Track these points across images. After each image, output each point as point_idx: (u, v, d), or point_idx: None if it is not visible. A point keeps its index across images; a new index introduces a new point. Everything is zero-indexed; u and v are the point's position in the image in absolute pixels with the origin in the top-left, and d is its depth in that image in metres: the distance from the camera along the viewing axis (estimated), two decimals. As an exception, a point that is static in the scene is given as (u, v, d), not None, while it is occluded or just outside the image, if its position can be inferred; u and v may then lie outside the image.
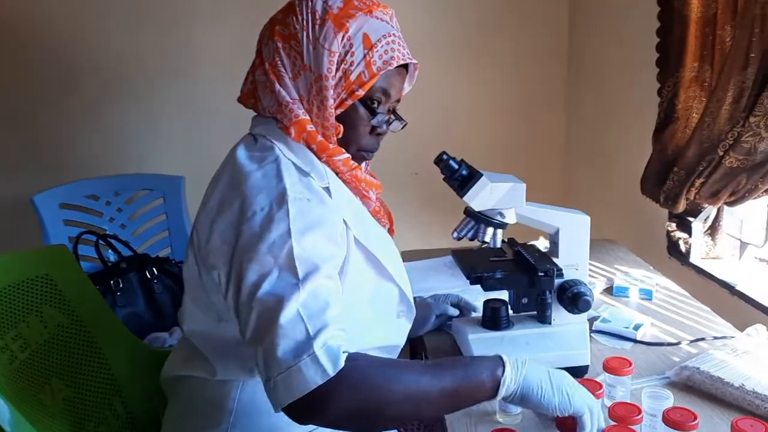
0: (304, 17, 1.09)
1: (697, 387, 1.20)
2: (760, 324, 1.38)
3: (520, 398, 0.97)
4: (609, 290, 1.70)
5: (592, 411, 0.98)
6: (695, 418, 1.00)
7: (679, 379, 1.23)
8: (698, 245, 2.01)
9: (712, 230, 2.00)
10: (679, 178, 1.83)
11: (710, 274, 1.92)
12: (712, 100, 1.68)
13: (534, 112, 3.02)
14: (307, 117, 1.10)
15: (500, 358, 0.98)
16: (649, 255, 2.02)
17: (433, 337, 1.46)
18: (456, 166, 1.21)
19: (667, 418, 1.00)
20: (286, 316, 0.90)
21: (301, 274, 0.94)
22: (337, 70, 1.08)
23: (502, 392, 0.95)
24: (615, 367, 1.17)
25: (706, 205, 1.90)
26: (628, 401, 1.10)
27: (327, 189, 1.09)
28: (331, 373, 0.86)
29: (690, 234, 2.03)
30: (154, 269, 2.28)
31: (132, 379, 1.46)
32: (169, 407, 1.25)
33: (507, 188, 1.21)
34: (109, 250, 2.31)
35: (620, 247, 2.07)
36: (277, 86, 1.10)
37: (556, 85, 3.00)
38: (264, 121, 1.15)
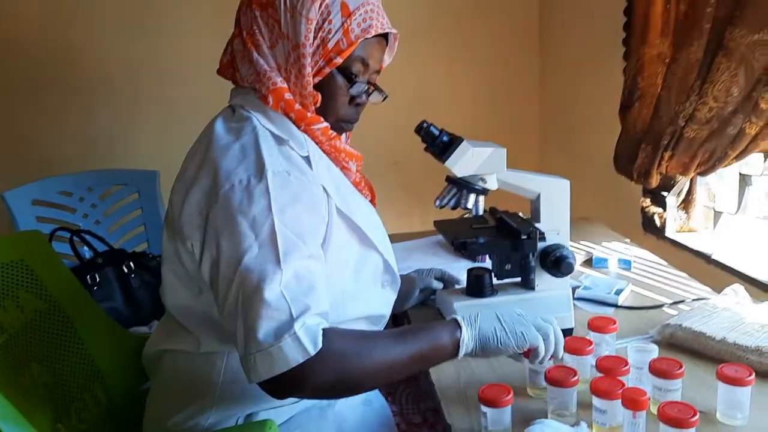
0: None
1: (680, 344, 1.22)
2: (737, 284, 1.41)
3: (481, 351, 1.03)
4: (589, 262, 1.72)
5: (547, 336, 1.04)
6: (681, 367, 1.02)
7: (662, 337, 1.25)
8: (673, 219, 2.05)
9: (686, 203, 2.04)
10: (647, 154, 1.86)
11: (686, 245, 1.96)
12: (668, 74, 1.72)
13: (509, 97, 3.05)
14: (285, 85, 1.09)
15: (456, 321, 1.04)
16: (625, 231, 2.05)
17: (417, 311, 1.46)
18: (437, 132, 1.21)
19: (654, 368, 1.02)
20: (269, 295, 0.91)
21: (282, 252, 0.94)
22: (315, 38, 1.08)
23: (463, 351, 1.02)
24: (600, 325, 1.18)
25: (680, 178, 1.93)
26: (614, 356, 1.11)
27: (307, 158, 1.09)
28: (312, 352, 0.90)
29: (664, 208, 2.07)
30: (131, 264, 2.24)
31: (113, 364, 1.43)
32: (153, 386, 1.23)
33: (488, 153, 1.22)
34: (84, 247, 2.27)
35: (597, 225, 2.09)
36: (255, 55, 1.09)
37: (530, 68, 3.04)
38: (242, 92, 1.14)
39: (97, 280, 2.17)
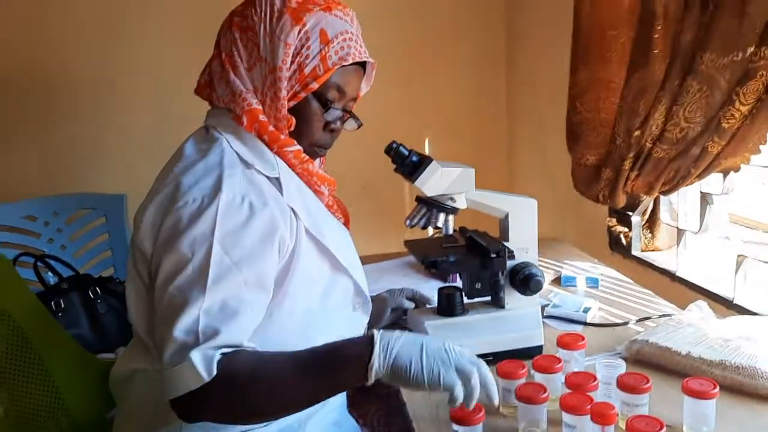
0: (263, 9, 1.11)
1: (647, 360, 1.24)
2: (701, 300, 1.44)
3: (390, 380, 0.93)
4: (557, 281, 1.75)
5: (468, 381, 0.91)
6: (648, 381, 1.03)
7: (630, 353, 1.26)
8: (638, 238, 2.09)
9: (651, 223, 2.08)
10: (608, 177, 1.90)
11: (651, 263, 2.00)
12: (625, 99, 1.77)
13: (477, 121, 3.10)
14: (260, 107, 1.11)
15: (371, 340, 0.94)
16: (592, 251, 2.08)
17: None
18: (406, 153, 1.23)
19: (622, 383, 1.03)
20: (184, 319, 0.93)
21: (211, 278, 0.96)
22: (292, 62, 1.10)
23: (372, 377, 0.92)
24: (568, 342, 1.19)
25: (644, 197, 1.97)
26: (583, 373, 1.12)
27: (277, 180, 1.09)
28: (205, 379, 0.91)
29: (630, 228, 2.11)
30: (97, 289, 2.20)
31: (78, 391, 1.40)
32: (120, 410, 1.21)
33: (458, 173, 1.24)
34: (49, 272, 2.22)
35: (565, 245, 2.12)
36: (232, 76, 1.11)
37: (497, 92, 3.10)
38: (218, 113, 1.15)
39: (62, 306, 2.12)
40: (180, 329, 0.93)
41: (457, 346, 0.95)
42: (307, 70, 1.10)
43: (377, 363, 0.92)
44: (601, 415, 0.92)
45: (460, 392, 0.91)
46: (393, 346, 0.93)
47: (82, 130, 2.73)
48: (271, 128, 1.11)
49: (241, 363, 0.94)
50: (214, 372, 0.91)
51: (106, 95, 2.73)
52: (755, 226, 1.82)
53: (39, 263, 2.18)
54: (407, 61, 2.98)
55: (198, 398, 0.91)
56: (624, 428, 0.94)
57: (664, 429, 0.90)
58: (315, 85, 1.11)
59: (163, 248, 1.00)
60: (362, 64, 1.19)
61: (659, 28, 1.65)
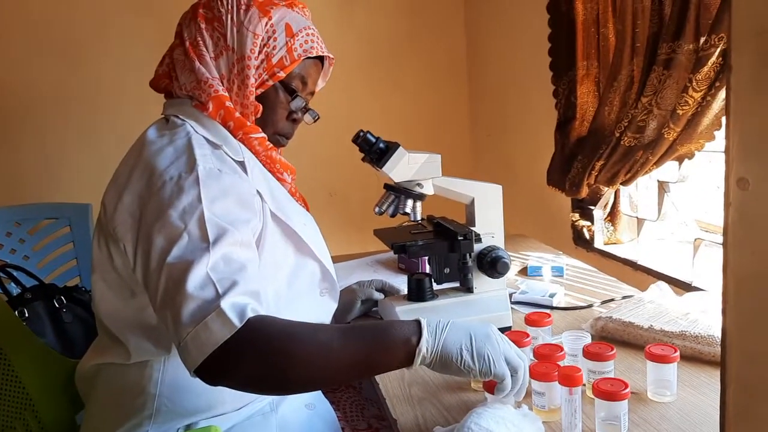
0: (230, 2, 1.14)
1: (611, 336, 1.28)
2: (661, 281, 1.49)
3: (439, 366, 0.93)
4: (524, 271, 1.78)
5: (517, 371, 0.95)
6: (612, 349, 1.07)
7: (595, 330, 1.30)
8: (600, 231, 2.15)
9: (612, 216, 2.14)
10: (582, 164, 1.96)
11: (613, 254, 2.06)
12: (609, 91, 1.83)
13: (441, 126, 3.15)
14: (227, 94, 1.13)
15: (419, 323, 0.94)
16: (557, 246, 2.13)
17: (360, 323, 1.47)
18: (373, 139, 1.26)
19: (587, 352, 1.07)
20: (194, 278, 0.88)
21: (211, 237, 0.93)
22: (260, 52, 1.14)
23: (418, 362, 0.91)
24: (535, 319, 1.23)
25: (605, 189, 2.03)
26: (551, 347, 1.15)
27: (242, 164, 1.11)
28: (238, 324, 0.84)
29: (592, 222, 2.17)
30: (62, 298, 2.17)
31: (45, 392, 1.37)
32: (87, 407, 1.19)
33: (424, 158, 1.27)
34: (11, 283, 2.17)
35: (530, 240, 2.17)
36: (197, 64, 1.13)
37: (459, 96, 3.16)
38: (177, 103, 1.16)
39: (26, 315, 2.07)
40: (193, 286, 0.87)
41: (503, 337, 0.97)
42: (274, 60, 1.15)
43: (425, 348, 0.91)
44: (567, 377, 0.95)
45: (509, 382, 0.93)
46: (442, 333, 0.93)
47: (45, 142, 2.69)
48: (237, 114, 1.13)
49: (274, 320, 0.89)
50: (248, 316, 0.85)
51: (69, 107, 2.70)
52: (714, 230, 1.88)
53: (1, 273, 2.14)
54: (373, 69, 3.03)
55: (229, 351, 0.83)
56: (592, 397, 0.97)
57: (629, 388, 0.93)
58: (282, 74, 1.16)
59: (151, 230, 0.96)
60: (321, 60, 1.24)
61: (639, 22, 1.71)
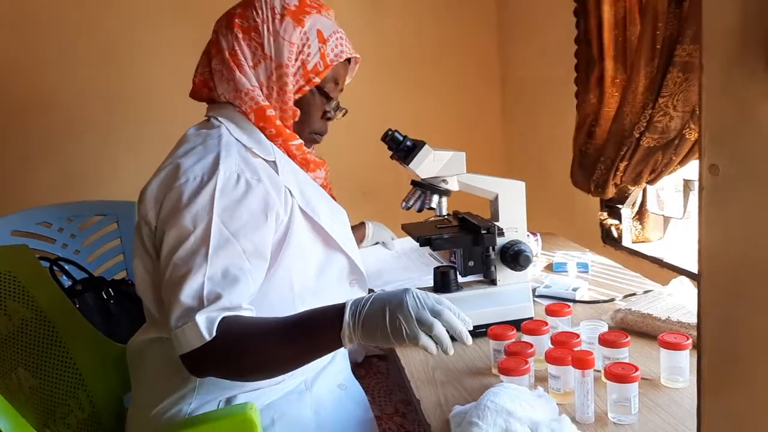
0: (265, 12, 1.22)
1: (629, 327, 1.32)
2: (683, 276, 1.52)
3: (366, 341, 0.99)
4: (549, 267, 1.83)
5: (431, 329, 0.94)
6: (627, 337, 1.12)
7: (614, 322, 1.35)
8: (628, 229, 2.18)
9: (640, 214, 2.17)
10: (606, 165, 1.99)
11: (641, 252, 2.08)
12: (628, 92, 1.86)
13: (473, 128, 3.19)
14: (267, 103, 1.22)
15: (342, 309, 1.00)
16: (585, 244, 2.17)
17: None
18: (401, 138, 1.33)
19: (603, 339, 1.12)
20: (189, 287, 1.03)
21: (212, 248, 1.06)
22: (296, 60, 1.22)
23: (346, 342, 0.99)
24: (555, 309, 1.28)
25: (632, 188, 2.06)
26: (569, 335, 1.20)
27: (273, 163, 1.19)
28: (207, 337, 1.00)
29: (620, 220, 2.19)
30: (110, 290, 2.29)
31: (95, 371, 1.49)
32: (136, 381, 1.28)
33: (449, 155, 1.33)
34: (63, 276, 2.31)
35: (559, 238, 2.21)
36: (238, 74, 1.21)
37: (492, 99, 3.20)
38: (219, 106, 1.26)
39: (77, 305, 2.20)
40: (186, 294, 1.03)
41: (421, 294, 0.98)
42: (309, 67, 1.23)
43: (348, 330, 0.98)
44: (580, 360, 1.00)
45: (426, 342, 0.94)
46: (361, 312, 0.98)
47: (95, 145, 2.83)
48: (278, 122, 1.22)
49: (236, 326, 1.03)
50: (214, 333, 1.01)
51: (117, 114, 2.84)
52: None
53: (54, 267, 2.27)
54: (407, 73, 3.09)
55: (201, 355, 1.01)
56: (605, 380, 1.02)
57: (639, 372, 0.98)
58: (317, 80, 1.25)
59: (166, 222, 1.09)
60: (348, 59, 1.32)
61: (660, 24, 1.75)
